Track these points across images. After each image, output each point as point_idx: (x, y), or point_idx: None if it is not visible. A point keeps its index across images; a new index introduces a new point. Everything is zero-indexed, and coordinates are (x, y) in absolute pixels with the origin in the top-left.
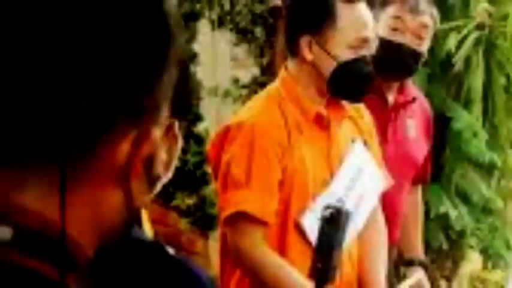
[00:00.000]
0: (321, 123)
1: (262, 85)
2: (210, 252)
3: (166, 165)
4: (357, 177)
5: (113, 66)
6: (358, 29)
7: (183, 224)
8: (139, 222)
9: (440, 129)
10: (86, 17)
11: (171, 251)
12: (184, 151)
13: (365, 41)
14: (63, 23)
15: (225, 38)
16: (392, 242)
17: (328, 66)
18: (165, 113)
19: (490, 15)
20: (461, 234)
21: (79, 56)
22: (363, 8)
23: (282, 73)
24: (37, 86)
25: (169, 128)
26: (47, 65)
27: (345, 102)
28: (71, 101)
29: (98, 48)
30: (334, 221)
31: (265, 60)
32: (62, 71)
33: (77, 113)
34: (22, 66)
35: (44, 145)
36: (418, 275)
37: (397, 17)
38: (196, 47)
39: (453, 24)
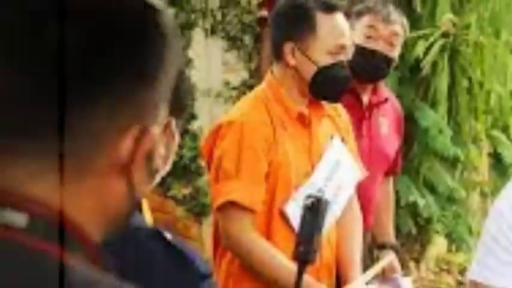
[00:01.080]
0: (303, 121)
1: (251, 87)
2: (204, 237)
3: (164, 159)
4: (335, 169)
5: (116, 70)
6: (336, 37)
7: (180, 211)
8: (140, 210)
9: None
10: (90, 23)
11: (169, 236)
12: (180, 146)
13: (342, 47)
14: (69, 26)
15: (217, 45)
16: (366, 227)
17: (309, 71)
18: (163, 112)
19: (454, 24)
20: (428, 220)
21: (84, 59)
22: (340, 18)
23: (268, 76)
24: (46, 90)
25: (167, 126)
26: (51, 67)
27: (324, 103)
28: (76, 101)
29: (103, 53)
30: (315, 209)
31: (253, 65)
32: (69, 73)
33: (82, 112)
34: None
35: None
36: (389, 257)
37: (371, 26)
38: (191, 53)
39: (421, 32)
